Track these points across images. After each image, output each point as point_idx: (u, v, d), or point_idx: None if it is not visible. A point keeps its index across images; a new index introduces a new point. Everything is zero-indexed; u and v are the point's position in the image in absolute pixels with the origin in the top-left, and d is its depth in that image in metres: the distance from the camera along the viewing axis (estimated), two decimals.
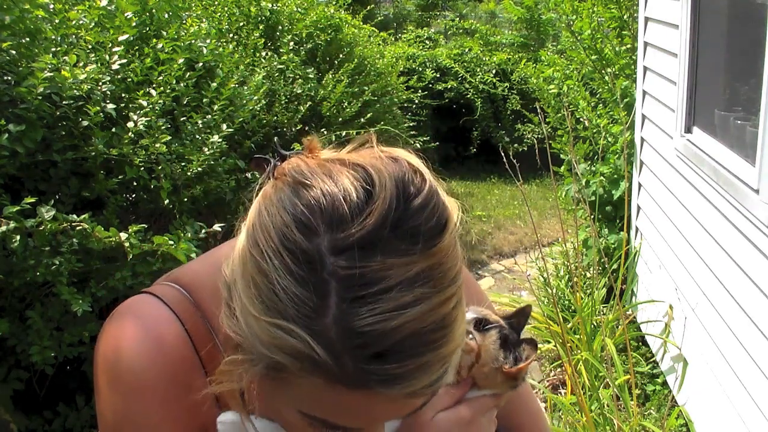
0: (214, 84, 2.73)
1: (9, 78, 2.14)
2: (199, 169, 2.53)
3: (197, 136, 2.61)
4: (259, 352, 0.62)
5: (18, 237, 1.92)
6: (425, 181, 0.65)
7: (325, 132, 4.28)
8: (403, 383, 0.60)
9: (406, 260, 0.59)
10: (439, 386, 0.65)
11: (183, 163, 2.51)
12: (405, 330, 0.58)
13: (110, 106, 2.31)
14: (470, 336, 0.80)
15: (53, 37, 2.37)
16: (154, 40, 2.61)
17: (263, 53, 4.22)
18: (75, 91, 2.21)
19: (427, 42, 9.91)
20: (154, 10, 2.77)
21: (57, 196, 2.25)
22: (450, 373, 0.65)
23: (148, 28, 2.73)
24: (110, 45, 2.48)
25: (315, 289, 0.58)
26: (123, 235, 2.06)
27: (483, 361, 0.81)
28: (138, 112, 2.39)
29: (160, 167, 2.40)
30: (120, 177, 2.34)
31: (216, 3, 4.69)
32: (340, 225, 0.59)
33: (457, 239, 0.65)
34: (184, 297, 0.82)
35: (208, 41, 2.93)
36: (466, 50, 8.98)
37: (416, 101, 7.57)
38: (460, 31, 10.12)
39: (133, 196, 2.53)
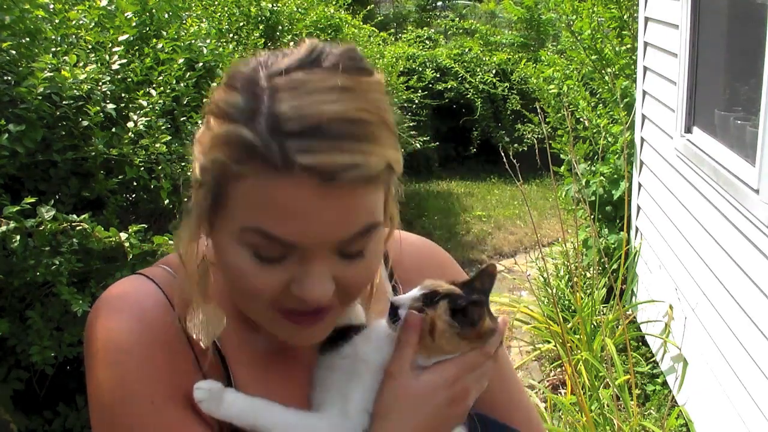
0: (214, 84, 2.73)
1: (9, 78, 2.14)
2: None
3: None
4: (205, 168, 0.76)
5: (18, 237, 1.92)
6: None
7: None
8: (321, 155, 0.70)
9: (330, 79, 0.74)
10: (360, 174, 0.72)
11: (183, 163, 2.51)
12: (324, 117, 0.71)
13: (110, 106, 2.31)
14: (423, 313, 0.84)
15: (53, 37, 2.37)
16: (154, 40, 2.61)
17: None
18: (75, 91, 2.21)
19: (427, 42, 9.91)
20: (154, 10, 2.76)
21: (57, 196, 2.24)
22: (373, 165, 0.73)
23: (148, 28, 2.73)
24: (110, 45, 2.48)
25: (250, 97, 0.73)
26: (123, 235, 2.06)
27: (439, 332, 0.84)
28: (138, 112, 2.39)
29: (160, 167, 2.39)
30: (120, 177, 2.34)
31: (216, 3, 4.69)
32: (276, 59, 0.77)
33: (384, 96, 0.78)
34: (169, 273, 0.87)
35: (208, 41, 2.93)
36: (466, 50, 8.98)
37: (416, 101, 7.57)
38: (460, 31, 10.12)
39: (133, 196, 2.53)
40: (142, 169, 2.34)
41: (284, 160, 0.70)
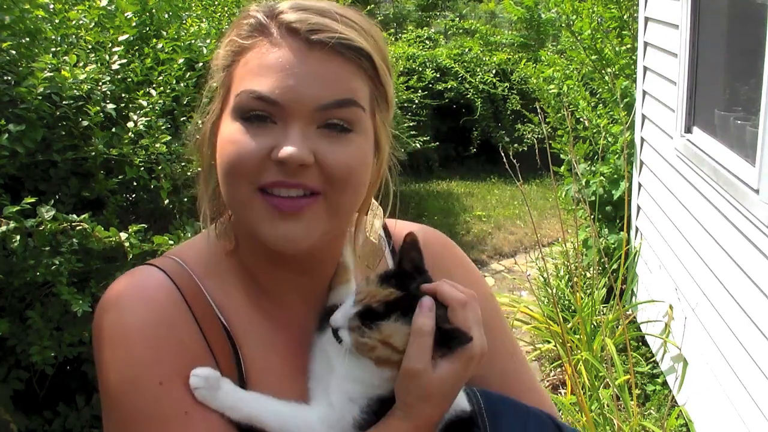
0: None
1: (9, 78, 2.14)
2: (199, 169, 2.53)
3: (197, 136, 2.60)
4: (218, 67, 0.90)
5: (18, 237, 1.92)
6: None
7: None
8: (307, 17, 0.82)
9: (337, 5, 0.87)
10: (341, 42, 0.82)
11: (183, 163, 2.51)
12: (323, 5, 0.85)
13: (110, 106, 2.31)
14: (369, 338, 0.82)
15: (53, 37, 2.37)
16: (154, 40, 2.61)
17: None
18: (75, 91, 2.21)
19: (427, 42, 9.90)
20: (154, 10, 2.76)
21: (57, 196, 2.24)
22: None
23: (148, 28, 2.73)
24: (110, 45, 2.48)
25: (266, 11, 0.86)
26: (123, 235, 2.06)
27: (401, 346, 0.82)
28: (138, 112, 2.38)
29: (160, 167, 2.39)
30: (120, 177, 2.34)
31: (216, 3, 4.68)
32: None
33: (385, 43, 0.89)
34: (175, 261, 0.91)
35: (208, 41, 2.93)
36: (466, 50, 8.98)
37: (416, 101, 7.57)
38: (460, 31, 10.11)
39: (133, 196, 2.53)
40: (142, 169, 2.34)
41: (278, 27, 0.84)
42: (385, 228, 1.06)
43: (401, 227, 1.04)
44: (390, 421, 0.82)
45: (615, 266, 4.20)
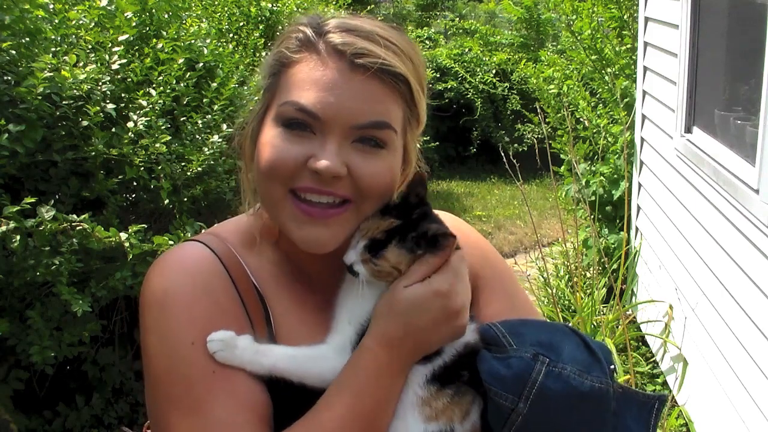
0: (214, 84, 2.73)
1: (9, 78, 2.14)
2: (199, 169, 2.53)
3: (197, 136, 2.60)
4: (265, 73, 0.96)
5: (18, 237, 1.92)
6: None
7: None
8: (354, 40, 0.89)
9: (378, 23, 0.95)
10: (384, 67, 0.89)
11: (183, 163, 2.51)
12: (366, 27, 0.92)
13: (110, 106, 2.31)
14: (378, 265, 0.90)
15: (53, 37, 2.37)
16: (154, 40, 2.61)
17: (263, 53, 4.21)
18: (75, 91, 2.21)
19: (427, 42, 9.90)
20: (154, 10, 2.76)
21: (57, 196, 2.24)
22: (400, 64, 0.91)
23: (148, 28, 2.73)
24: (110, 45, 2.48)
25: (315, 27, 0.94)
26: (123, 235, 2.06)
27: (404, 271, 0.90)
28: (138, 112, 2.38)
29: (160, 167, 2.39)
30: (120, 177, 2.33)
31: (216, 3, 4.69)
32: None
33: (422, 57, 0.97)
34: (216, 237, 1.00)
35: (208, 41, 2.93)
36: (466, 50, 8.97)
37: None
38: (460, 31, 10.11)
39: (133, 196, 2.53)
40: (142, 169, 2.34)
41: (325, 46, 0.91)
42: None
43: None
44: (362, 340, 0.90)
45: (615, 266, 4.20)
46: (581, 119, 5.14)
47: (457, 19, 10.54)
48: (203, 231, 1.06)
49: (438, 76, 8.50)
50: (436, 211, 1.12)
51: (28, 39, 2.21)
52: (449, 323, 0.90)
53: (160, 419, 0.88)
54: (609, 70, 5.10)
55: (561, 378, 0.88)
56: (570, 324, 3.90)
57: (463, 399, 0.92)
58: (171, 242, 2.12)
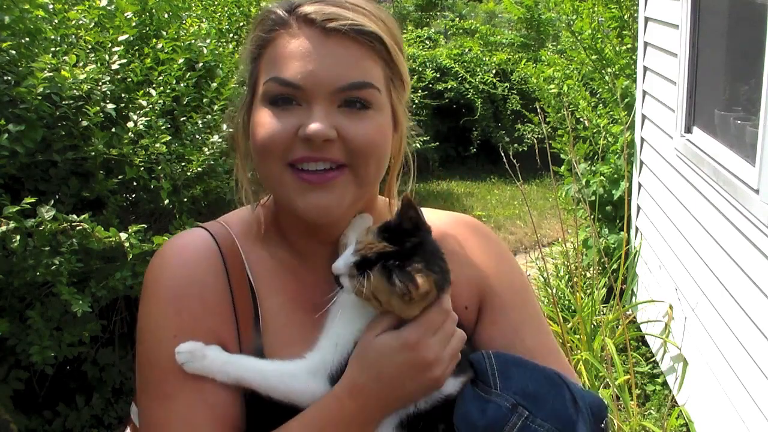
0: (214, 84, 2.73)
1: (9, 78, 2.14)
2: (199, 169, 2.53)
3: (197, 136, 2.60)
4: (245, 59, 0.98)
5: (18, 237, 1.92)
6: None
7: None
8: (322, 6, 0.90)
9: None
10: (355, 28, 0.90)
11: (183, 163, 2.51)
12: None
13: (110, 106, 2.31)
14: (361, 284, 0.87)
15: (53, 37, 2.37)
16: (154, 40, 2.61)
17: None
18: (75, 91, 2.21)
19: (427, 42, 9.89)
20: (154, 10, 2.76)
21: (57, 196, 2.24)
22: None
23: (148, 28, 2.73)
24: (110, 45, 2.48)
25: (285, 7, 0.94)
26: (123, 235, 2.06)
27: (385, 301, 0.87)
28: (138, 112, 2.38)
29: (160, 167, 2.39)
30: (120, 177, 2.33)
31: (216, 3, 4.68)
32: None
33: (399, 30, 0.98)
34: (221, 225, 1.02)
35: (208, 41, 2.93)
36: (466, 50, 8.97)
37: (416, 101, 7.56)
38: (460, 31, 10.10)
39: (133, 196, 2.53)
40: (142, 169, 2.34)
41: (296, 19, 0.92)
42: None
43: (430, 216, 1.06)
44: (334, 387, 0.90)
45: (615, 266, 4.20)
46: (581, 119, 5.14)
47: (457, 19, 10.54)
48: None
49: (438, 76, 8.49)
50: (459, 216, 1.11)
51: (28, 39, 2.21)
52: (421, 375, 0.88)
53: (138, 394, 0.96)
54: (609, 70, 5.10)
55: None
56: (570, 324, 3.91)
57: None
58: None
